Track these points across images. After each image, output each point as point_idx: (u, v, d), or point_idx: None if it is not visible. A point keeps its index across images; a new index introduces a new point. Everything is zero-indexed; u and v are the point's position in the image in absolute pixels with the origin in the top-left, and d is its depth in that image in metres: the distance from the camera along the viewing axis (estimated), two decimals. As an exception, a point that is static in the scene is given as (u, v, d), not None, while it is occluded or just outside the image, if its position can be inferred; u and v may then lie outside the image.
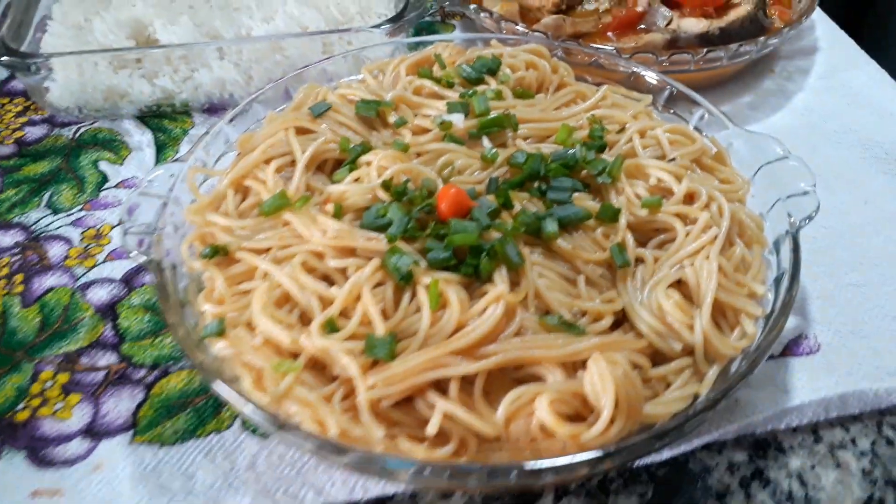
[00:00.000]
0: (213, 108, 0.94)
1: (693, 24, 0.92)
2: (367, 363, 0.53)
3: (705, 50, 0.86)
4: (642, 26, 0.95)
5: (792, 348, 0.68)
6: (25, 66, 0.85)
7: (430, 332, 0.55)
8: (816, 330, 0.69)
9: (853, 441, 0.61)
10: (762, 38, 0.88)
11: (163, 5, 0.93)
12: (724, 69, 0.92)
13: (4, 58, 0.84)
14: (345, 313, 0.56)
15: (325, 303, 0.57)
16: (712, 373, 0.56)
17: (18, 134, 0.91)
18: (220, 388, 0.54)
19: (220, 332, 0.58)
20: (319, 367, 0.55)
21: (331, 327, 0.55)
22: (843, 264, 0.74)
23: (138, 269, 0.75)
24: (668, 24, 0.94)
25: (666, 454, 0.60)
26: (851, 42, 1.03)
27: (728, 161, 0.72)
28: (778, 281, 0.62)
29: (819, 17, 1.07)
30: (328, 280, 0.59)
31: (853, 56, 1.01)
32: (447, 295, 0.56)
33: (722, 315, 0.59)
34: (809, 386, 0.64)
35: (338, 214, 0.62)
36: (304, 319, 0.57)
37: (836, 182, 0.83)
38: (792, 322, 0.70)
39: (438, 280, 0.56)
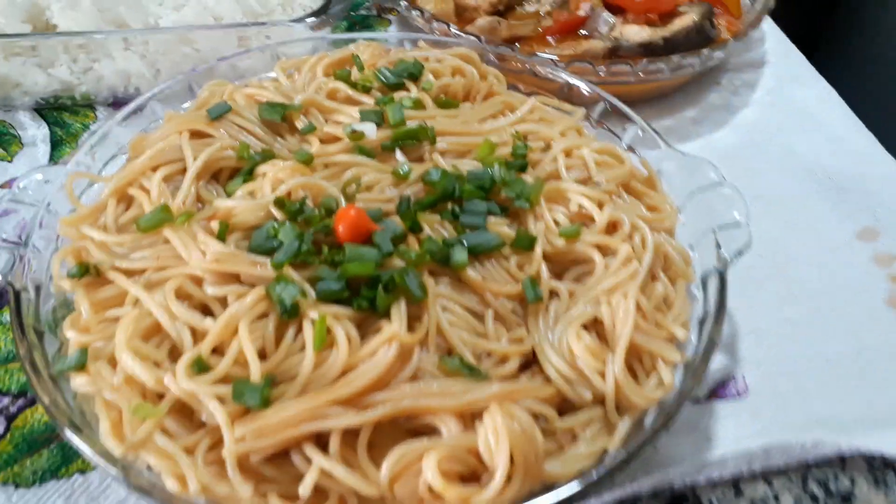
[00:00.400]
0: (119, 103, 0.86)
1: (636, 33, 0.87)
2: (237, 410, 0.47)
3: (645, 61, 0.81)
4: (584, 32, 0.90)
5: (718, 391, 0.63)
6: None
7: (312, 375, 0.49)
8: (745, 370, 0.65)
9: (776, 498, 0.57)
10: (706, 51, 0.84)
11: (63, -14, 0.85)
12: (668, 81, 0.88)
13: None
14: (220, 349, 0.50)
15: (199, 336, 0.51)
16: (623, 427, 0.51)
17: None
18: (68, 435, 0.47)
19: (81, 366, 0.51)
20: (187, 412, 0.49)
21: (200, 367, 0.49)
22: (777, 297, 0.70)
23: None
24: (610, 31, 0.89)
25: (574, 509, 0.55)
26: (802, 57, 0.99)
27: (658, 186, 0.67)
28: (702, 322, 0.57)
29: (770, 28, 1.03)
30: (206, 309, 0.53)
31: (803, 72, 0.97)
32: (335, 333, 0.50)
33: (638, 360, 0.54)
34: (734, 434, 0.60)
35: (222, 234, 0.56)
36: (176, 355, 0.51)
37: (776, 208, 0.79)
38: (720, 362, 0.66)
39: (326, 315, 0.50)
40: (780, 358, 0.66)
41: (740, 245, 0.60)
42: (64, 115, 0.85)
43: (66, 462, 0.57)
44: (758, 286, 0.71)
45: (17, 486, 0.56)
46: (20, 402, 0.60)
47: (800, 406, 0.62)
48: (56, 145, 0.82)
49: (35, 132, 0.83)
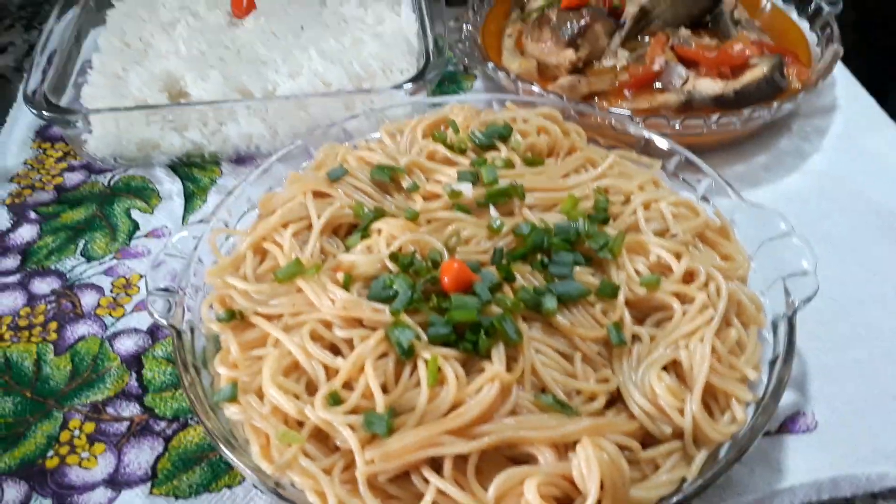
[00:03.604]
0: (241, 159, 0.98)
1: (708, 86, 0.93)
2: (366, 437, 0.56)
3: (717, 115, 0.87)
4: (658, 85, 0.97)
5: (789, 425, 0.69)
6: (65, 121, 0.91)
7: (427, 408, 0.57)
8: (815, 407, 0.70)
9: (844, 525, 0.62)
10: (776, 104, 0.89)
11: (194, 59, 0.98)
12: (740, 130, 0.93)
13: (45, 112, 0.89)
14: (348, 384, 0.60)
15: (331, 372, 0.60)
16: (700, 458, 0.58)
17: (58, 180, 0.96)
18: (229, 457, 0.57)
19: (233, 397, 0.61)
20: (323, 437, 0.59)
21: (334, 399, 0.58)
22: (846, 338, 0.75)
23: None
24: (683, 84, 0.95)
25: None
26: (872, 102, 1.03)
27: (732, 235, 0.73)
28: (773, 364, 0.63)
29: (840, 72, 1.07)
30: (335, 349, 0.62)
31: (873, 117, 1.01)
32: (445, 371, 0.58)
33: (713, 398, 0.61)
34: (804, 466, 0.65)
35: (346, 284, 0.65)
36: (312, 387, 0.61)
37: (845, 251, 0.83)
38: (790, 398, 0.71)
39: (437, 356, 0.59)
40: (848, 396, 0.70)
41: (808, 293, 0.65)
42: (194, 171, 0.97)
43: (216, 477, 0.67)
44: (827, 327, 0.76)
45: (176, 497, 0.66)
46: (175, 425, 0.71)
47: (867, 441, 0.67)
48: (189, 198, 0.94)
49: (171, 186, 0.95)
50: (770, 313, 0.67)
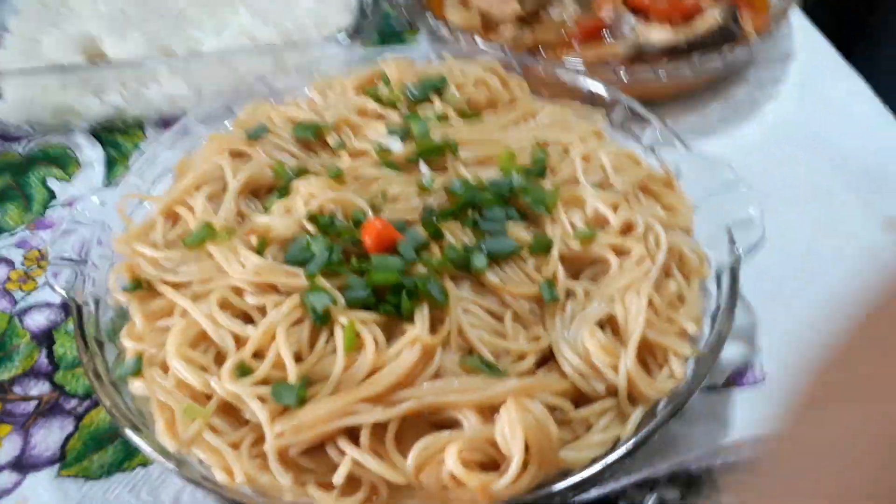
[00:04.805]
0: (167, 123, 0.91)
1: (659, 35, 0.89)
2: (276, 409, 0.52)
3: (666, 63, 0.83)
4: (608, 36, 0.92)
5: (736, 378, 0.66)
6: (-30, 84, 0.84)
7: (343, 376, 0.53)
8: (763, 359, 0.67)
9: (791, 483, 0.59)
10: (726, 49, 0.85)
11: (114, 18, 0.91)
12: (694, 80, 0.89)
13: (-53, 77, 0.83)
14: (260, 353, 0.55)
15: (241, 342, 0.56)
16: (635, 416, 0.54)
17: (-30, 151, 0.90)
18: (128, 435, 0.53)
19: (137, 371, 0.57)
20: (233, 410, 0.54)
21: (242, 370, 0.54)
22: (798, 290, 0.72)
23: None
24: (633, 34, 0.91)
25: (594, 492, 0.58)
26: (832, 50, 0.99)
27: (675, 185, 0.69)
28: (715, 316, 0.59)
29: (799, 22, 1.03)
30: (247, 317, 0.58)
31: (832, 65, 0.97)
32: (363, 336, 0.54)
33: (651, 354, 0.57)
34: (749, 419, 0.62)
35: (260, 248, 0.60)
36: (221, 359, 0.56)
37: (799, 201, 0.80)
38: (738, 351, 0.67)
39: (354, 321, 0.54)
40: (798, 347, 0.67)
41: (754, 241, 0.62)
42: (117, 136, 0.91)
43: (129, 456, 0.63)
44: (779, 278, 0.72)
45: (86, 479, 0.62)
46: (86, 403, 0.66)
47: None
48: (110, 165, 0.89)
49: (91, 153, 0.90)
50: (715, 264, 0.63)
